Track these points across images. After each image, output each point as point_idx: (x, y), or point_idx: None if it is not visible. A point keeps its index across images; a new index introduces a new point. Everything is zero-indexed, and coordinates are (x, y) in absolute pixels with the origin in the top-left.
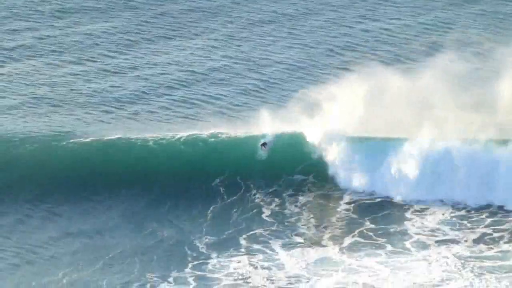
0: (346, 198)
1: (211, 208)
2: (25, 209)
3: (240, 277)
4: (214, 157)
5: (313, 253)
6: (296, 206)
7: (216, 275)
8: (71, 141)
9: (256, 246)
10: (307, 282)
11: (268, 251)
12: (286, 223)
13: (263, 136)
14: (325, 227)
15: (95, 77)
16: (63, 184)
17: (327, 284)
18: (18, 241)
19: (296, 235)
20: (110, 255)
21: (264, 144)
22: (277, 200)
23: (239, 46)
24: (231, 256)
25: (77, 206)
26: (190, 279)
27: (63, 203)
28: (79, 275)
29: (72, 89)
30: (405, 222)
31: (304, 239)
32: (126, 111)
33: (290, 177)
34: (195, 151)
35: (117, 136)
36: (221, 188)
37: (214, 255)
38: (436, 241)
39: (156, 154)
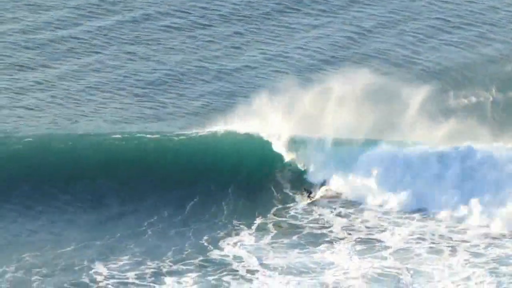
0: None
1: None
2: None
3: (325, 225)
4: None
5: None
6: None
7: (298, 223)
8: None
9: None
10: (383, 232)
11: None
12: None
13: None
14: None
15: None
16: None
17: (403, 235)
18: (100, 212)
19: None
20: (192, 203)
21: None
22: None
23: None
24: (313, 205)
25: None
26: (270, 226)
27: (153, 180)
28: (163, 225)
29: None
30: None
31: None
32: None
33: None
34: None
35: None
36: None
37: (298, 199)
38: None
39: None
